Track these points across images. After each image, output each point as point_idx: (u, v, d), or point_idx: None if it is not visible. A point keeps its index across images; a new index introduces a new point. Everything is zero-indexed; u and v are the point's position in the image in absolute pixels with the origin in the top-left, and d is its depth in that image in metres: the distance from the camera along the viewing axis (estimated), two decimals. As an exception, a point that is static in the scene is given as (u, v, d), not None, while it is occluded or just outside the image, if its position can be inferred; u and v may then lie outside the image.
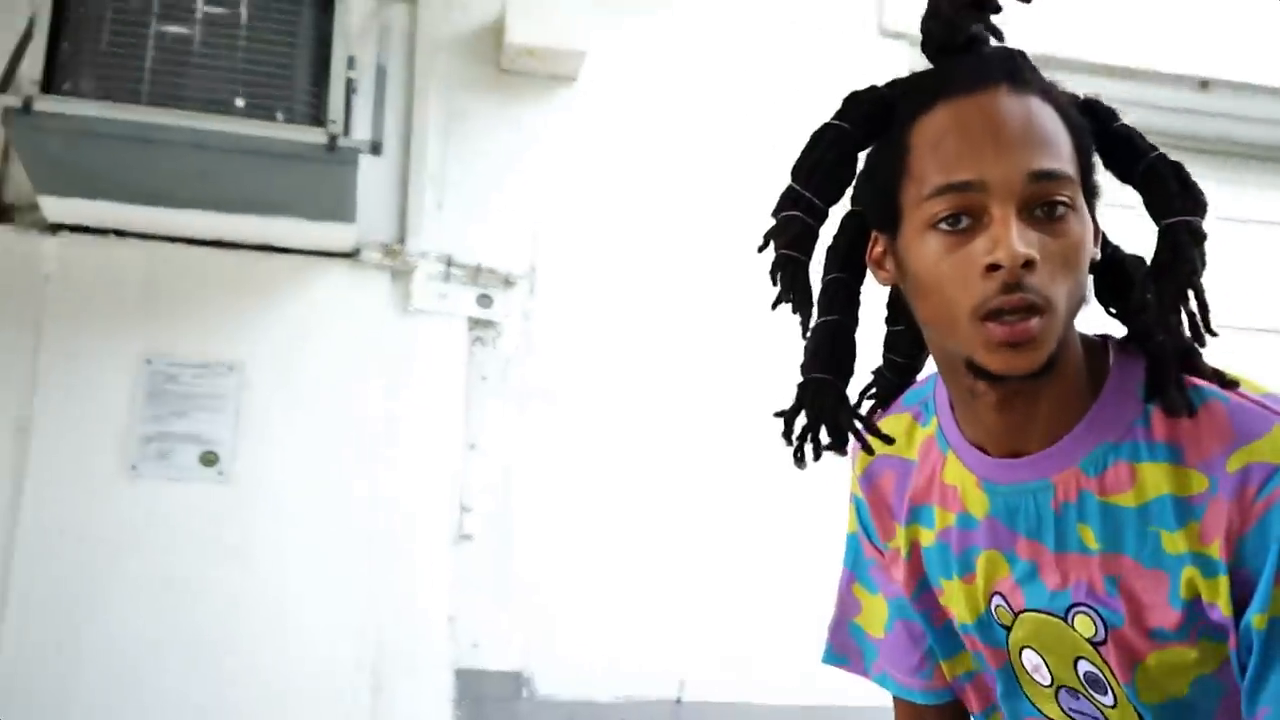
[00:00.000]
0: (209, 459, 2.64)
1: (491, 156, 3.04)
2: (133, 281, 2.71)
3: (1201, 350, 0.99)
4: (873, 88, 1.06)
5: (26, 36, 2.38)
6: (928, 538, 1.12)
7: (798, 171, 1.05)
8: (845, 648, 1.24)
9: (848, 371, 1.08)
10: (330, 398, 2.75)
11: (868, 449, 1.08)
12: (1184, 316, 0.99)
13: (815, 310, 1.07)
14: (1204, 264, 0.99)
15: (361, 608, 2.64)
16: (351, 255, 2.85)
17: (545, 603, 2.76)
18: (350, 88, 2.69)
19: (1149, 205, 1.03)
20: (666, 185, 3.11)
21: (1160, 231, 1.02)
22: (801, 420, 1.06)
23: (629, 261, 3.04)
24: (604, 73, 3.15)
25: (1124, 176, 1.05)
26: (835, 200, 1.06)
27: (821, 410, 1.06)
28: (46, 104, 2.32)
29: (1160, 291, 0.99)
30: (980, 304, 0.93)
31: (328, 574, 2.62)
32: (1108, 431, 0.99)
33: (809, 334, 1.07)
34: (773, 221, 1.06)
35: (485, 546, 2.77)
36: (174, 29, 2.45)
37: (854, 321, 1.10)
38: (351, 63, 2.76)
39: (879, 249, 1.05)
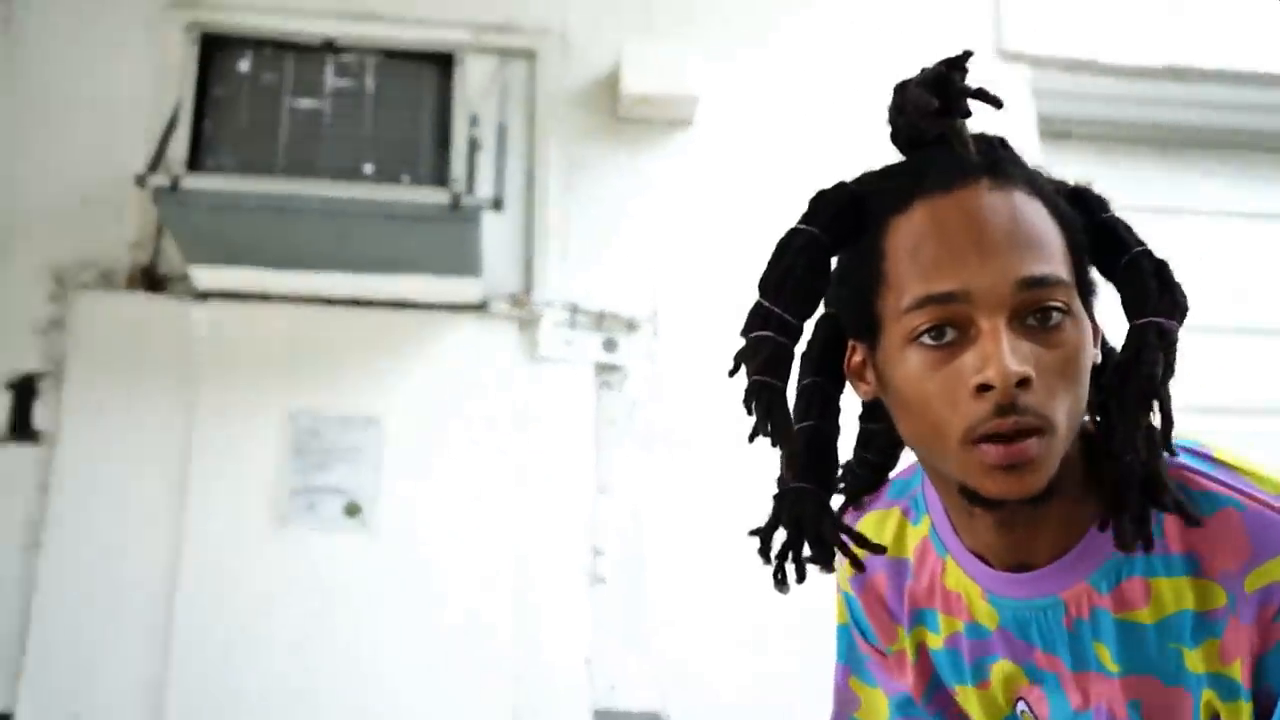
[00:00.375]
0: (352, 509, 2.75)
1: (612, 204, 3.11)
2: (277, 342, 2.85)
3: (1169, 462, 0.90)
4: (841, 185, 0.98)
5: (173, 121, 2.54)
6: (935, 641, 1.05)
7: (765, 285, 0.96)
8: None
9: (830, 481, 1.00)
10: (464, 446, 2.84)
11: (857, 564, 0.97)
12: (1142, 429, 0.89)
13: (794, 414, 0.98)
14: (1171, 370, 0.91)
15: (501, 651, 2.71)
16: (480, 307, 2.94)
17: (680, 643, 2.79)
18: (474, 146, 2.80)
19: (1125, 302, 0.95)
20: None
21: (1128, 333, 0.93)
22: (781, 536, 0.98)
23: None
24: (719, 114, 3.20)
25: (1105, 271, 0.96)
26: (809, 315, 0.97)
27: (802, 523, 0.97)
28: (192, 181, 2.47)
29: (1121, 399, 0.90)
30: (972, 427, 0.85)
31: (468, 619, 2.70)
32: (1112, 548, 0.91)
33: (784, 442, 0.94)
34: (742, 341, 0.96)
35: (618, 588, 2.81)
36: (306, 103, 2.59)
37: (834, 428, 1.02)
38: (475, 121, 2.87)
39: (858, 358, 0.97)
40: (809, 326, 0.99)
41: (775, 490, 1.00)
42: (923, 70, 0.95)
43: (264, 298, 2.86)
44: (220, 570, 2.66)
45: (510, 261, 3.01)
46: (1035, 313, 0.86)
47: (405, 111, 2.63)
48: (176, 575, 2.64)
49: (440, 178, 2.58)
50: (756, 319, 0.96)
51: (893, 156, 3.11)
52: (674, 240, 3.09)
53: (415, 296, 2.89)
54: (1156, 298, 0.93)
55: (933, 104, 0.92)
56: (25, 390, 2.73)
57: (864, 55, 3.30)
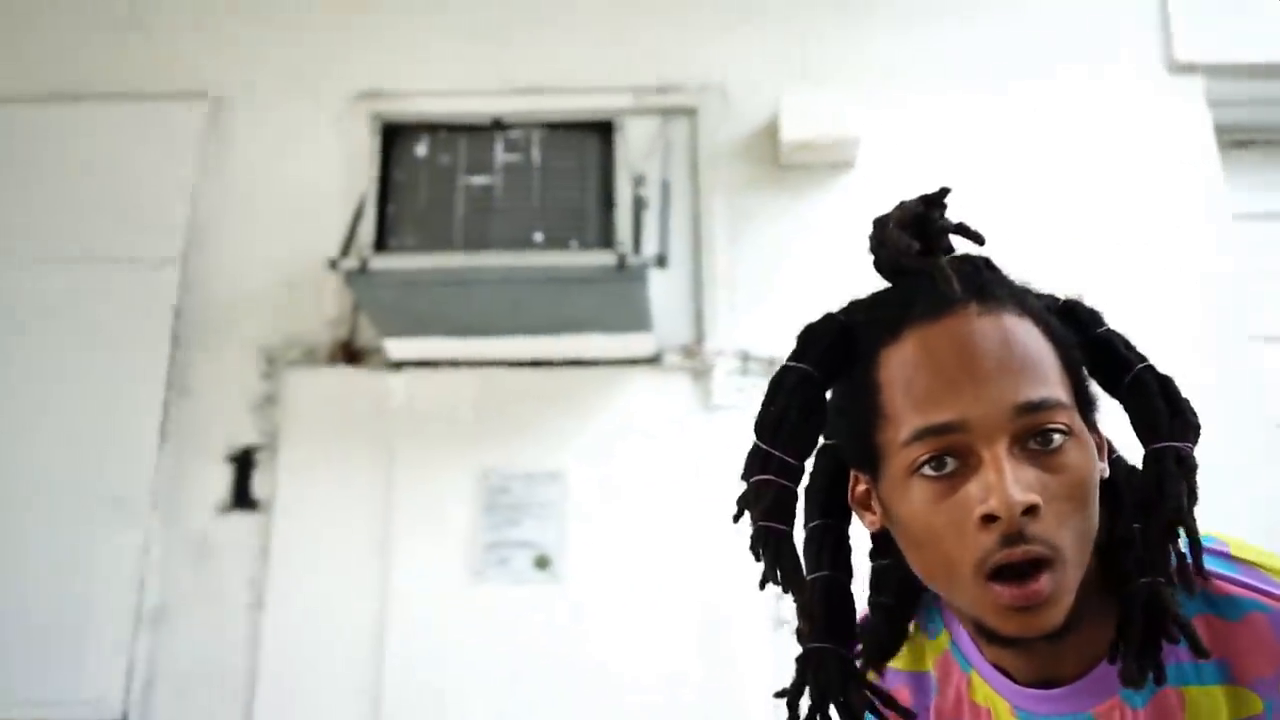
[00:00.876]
0: (542, 562, 2.88)
1: (778, 250, 3.16)
2: (466, 405, 3.02)
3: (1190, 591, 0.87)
4: (828, 317, 0.98)
5: (360, 208, 2.74)
6: None
7: (761, 428, 0.95)
8: None
9: (850, 634, 0.98)
10: (644, 497, 2.93)
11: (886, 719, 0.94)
12: (1172, 557, 0.87)
13: (805, 566, 0.95)
14: (1194, 498, 0.88)
15: (689, 696, 2.77)
16: (653, 361, 3.04)
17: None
18: (639, 205, 2.91)
19: (1135, 424, 0.93)
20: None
21: (1145, 458, 0.92)
22: (806, 701, 0.95)
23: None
24: (881, 153, 3.22)
25: (1109, 388, 0.95)
26: (808, 454, 0.96)
27: (828, 687, 0.94)
28: (378, 262, 2.66)
29: (1145, 529, 0.88)
30: (981, 560, 0.83)
31: (656, 665, 2.78)
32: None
33: (797, 594, 0.93)
34: (744, 485, 0.95)
35: (803, 630, 2.83)
36: (478, 180, 2.75)
37: (848, 575, 0.99)
38: (641, 180, 2.99)
39: (862, 488, 0.95)
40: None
41: (798, 650, 0.98)
42: (901, 205, 0.95)
43: (452, 364, 3.03)
44: (422, 624, 2.83)
45: (681, 314, 3.10)
46: (1036, 436, 0.85)
47: (570, 180, 2.76)
48: (384, 630, 2.82)
49: (606, 240, 2.69)
50: (756, 463, 0.95)
51: (1065, 184, 3.06)
52: (841, 281, 3.11)
53: (591, 354, 3.01)
54: (1168, 420, 0.91)
55: (913, 246, 0.93)
56: (244, 462, 2.98)
57: (1030, 81, 3.27)
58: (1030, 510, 0.82)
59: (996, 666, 0.96)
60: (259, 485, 2.97)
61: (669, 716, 2.76)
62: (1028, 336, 0.88)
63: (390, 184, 2.77)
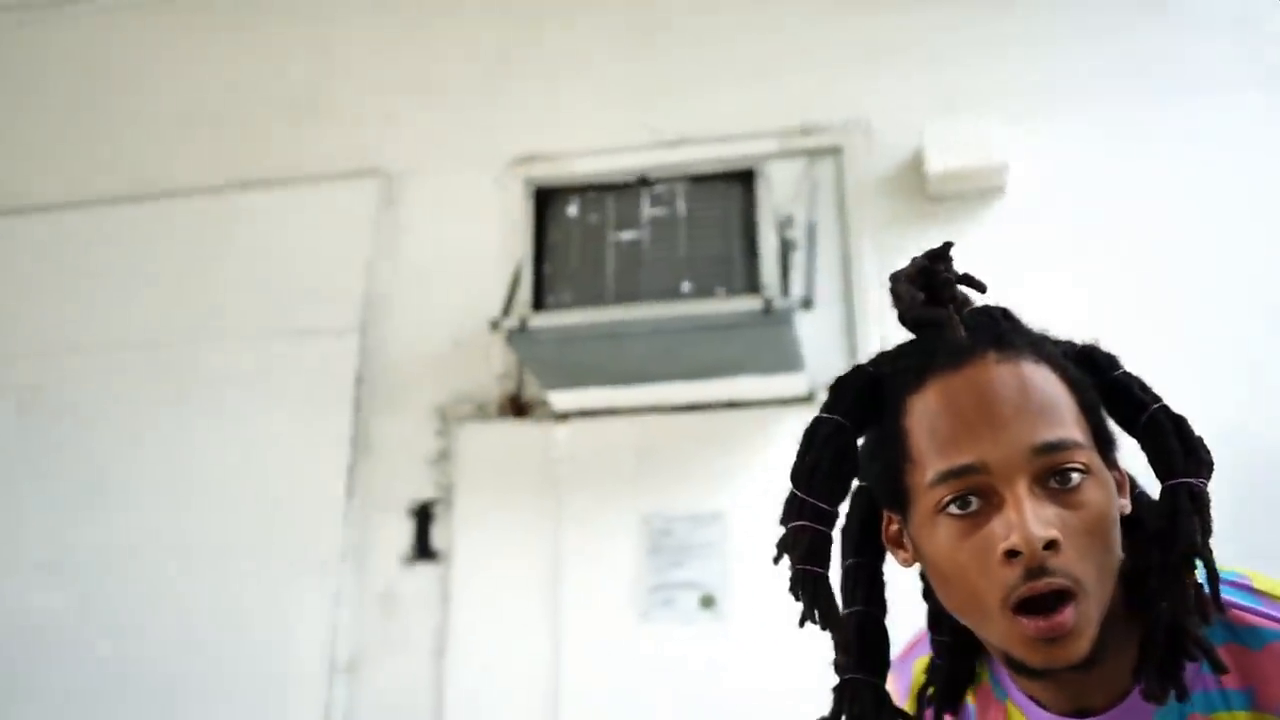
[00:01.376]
0: (707, 601, 2.94)
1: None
2: (628, 451, 3.12)
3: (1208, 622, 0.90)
4: (857, 369, 1.03)
5: (518, 273, 2.89)
6: None
7: (797, 476, 1.00)
8: None
9: (884, 665, 1.03)
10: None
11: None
12: (1191, 591, 0.90)
13: (841, 602, 1.00)
14: (1208, 530, 0.92)
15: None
16: (807, 399, 3.08)
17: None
18: (787, 247, 2.98)
19: (1151, 462, 0.97)
20: (1113, 276, 3.06)
21: (1160, 494, 0.95)
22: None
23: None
24: (1033, 175, 3.19)
25: (1127, 427, 0.99)
26: (841, 499, 1.01)
27: (863, 715, 1.00)
28: (537, 320, 2.80)
29: (1164, 566, 0.92)
30: (1007, 594, 0.88)
31: (821, 700, 2.79)
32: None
33: (837, 631, 0.99)
34: (782, 530, 1.00)
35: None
36: (627, 235, 2.86)
37: (882, 609, 1.04)
38: (788, 223, 3.06)
39: (894, 527, 1.01)
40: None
41: (834, 680, 1.03)
42: (912, 261, 1.02)
43: (612, 413, 3.14)
44: (593, 664, 2.93)
45: (834, 352, 3.13)
46: (1055, 476, 0.90)
47: (715, 229, 2.84)
48: (557, 670, 2.93)
49: (752, 286, 2.76)
50: (792, 509, 1.00)
51: (1218, 203, 2.97)
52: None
53: (745, 396, 3.07)
54: (1182, 458, 0.95)
55: (919, 298, 1.00)
56: (424, 516, 3.15)
57: (1192, 98, 3.18)
58: (1051, 545, 0.87)
59: (1030, 697, 1.00)
60: (438, 536, 3.13)
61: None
62: (1044, 381, 0.93)
63: (545, 245, 2.91)
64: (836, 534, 1.03)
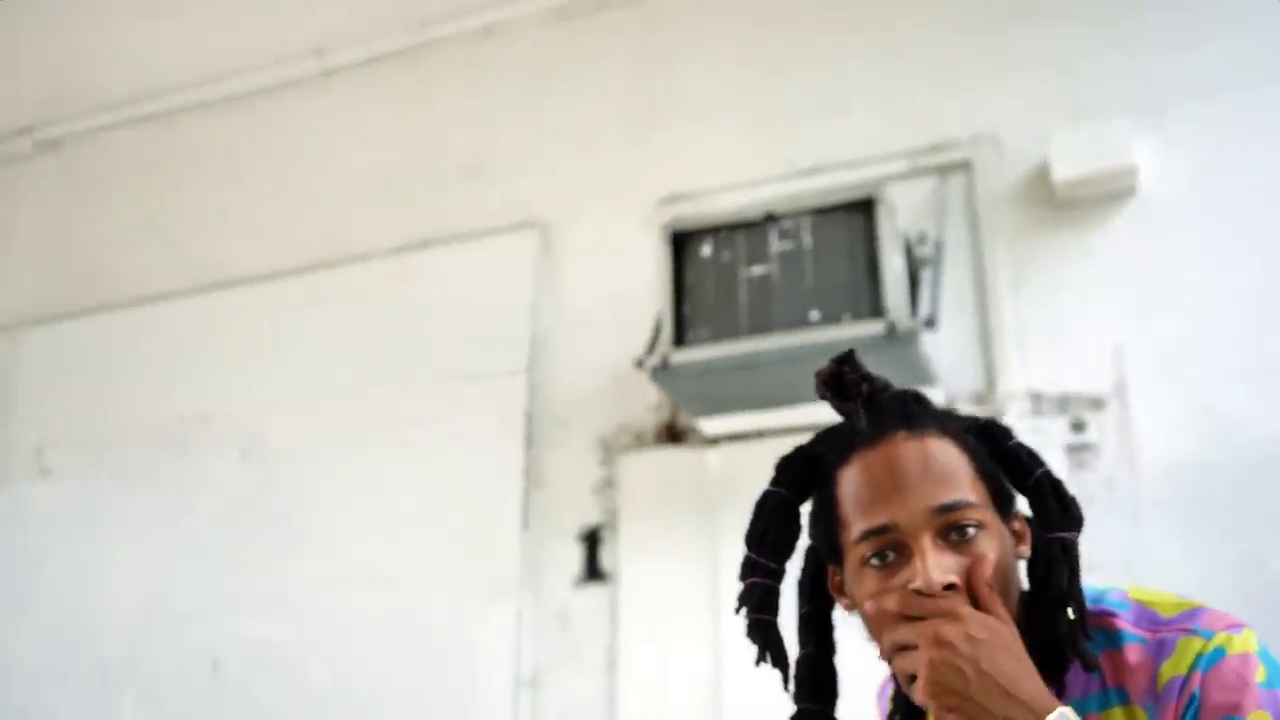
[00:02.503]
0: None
1: (1062, 289, 3.22)
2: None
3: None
4: (799, 449, 1.28)
5: (660, 317, 3.12)
6: None
7: (750, 541, 1.26)
8: None
9: (833, 697, 1.25)
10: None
11: None
12: (1063, 619, 1.11)
13: (797, 644, 1.23)
14: (1076, 576, 1.13)
15: None
16: (946, 412, 3.19)
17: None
18: (918, 265, 3.10)
19: (1034, 518, 1.19)
20: (1245, 274, 3.05)
21: (1036, 547, 1.18)
22: None
23: (1217, 362, 3.00)
24: (1163, 179, 3.20)
25: (1019, 488, 1.20)
26: (787, 557, 1.23)
27: None
28: (677, 356, 3.02)
29: (1040, 604, 1.13)
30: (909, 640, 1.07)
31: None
32: (1076, 689, 1.13)
33: (795, 665, 1.22)
34: (740, 586, 1.24)
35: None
36: (757, 270, 3.05)
37: (831, 649, 1.26)
38: (923, 238, 3.18)
39: (837, 579, 1.23)
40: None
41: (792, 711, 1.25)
42: (828, 363, 1.31)
43: (759, 435, 3.33)
44: (753, 677, 3.11)
45: (971, 365, 3.22)
46: (954, 530, 1.11)
47: (840, 258, 2.99)
48: (720, 684, 3.13)
49: (876, 310, 2.90)
50: (746, 568, 1.26)
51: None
52: (1132, 310, 3.13)
53: (886, 412, 3.20)
54: (1058, 515, 1.17)
55: (828, 398, 1.27)
56: (592, 540, 3.42)
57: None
58: (950, 586, 1.09)
59: None
60: (605, 559, 3.39)
61: None
62: (945, 454, 1.16)
63: (683, 285, 3.12)
64: (789, 587, 1.26)
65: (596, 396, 3.59)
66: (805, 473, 1.27)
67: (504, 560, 3.46)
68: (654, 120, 3.89)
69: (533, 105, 4.07)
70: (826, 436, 1.29)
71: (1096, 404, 3.07)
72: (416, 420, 3.72)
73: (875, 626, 1.15)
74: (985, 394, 3.18)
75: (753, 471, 3.29)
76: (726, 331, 3.02)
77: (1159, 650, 1.12)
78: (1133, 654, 1.13)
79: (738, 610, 1.26)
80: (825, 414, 3.21)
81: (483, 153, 4.08)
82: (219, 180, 4.50)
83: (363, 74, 4.39)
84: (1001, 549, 1.14)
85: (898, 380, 3.04)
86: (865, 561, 1.15)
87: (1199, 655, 1.08)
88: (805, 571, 1.31)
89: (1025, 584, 1.20)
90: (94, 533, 4.03)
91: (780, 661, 1.23)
